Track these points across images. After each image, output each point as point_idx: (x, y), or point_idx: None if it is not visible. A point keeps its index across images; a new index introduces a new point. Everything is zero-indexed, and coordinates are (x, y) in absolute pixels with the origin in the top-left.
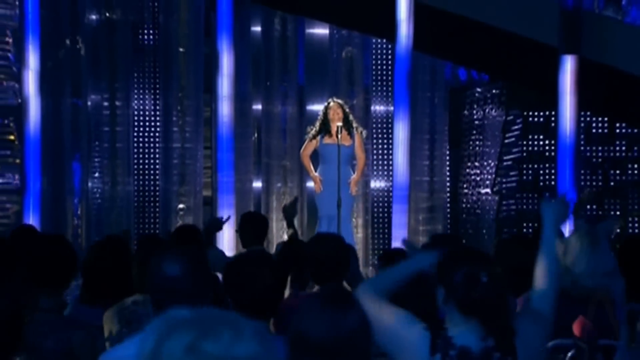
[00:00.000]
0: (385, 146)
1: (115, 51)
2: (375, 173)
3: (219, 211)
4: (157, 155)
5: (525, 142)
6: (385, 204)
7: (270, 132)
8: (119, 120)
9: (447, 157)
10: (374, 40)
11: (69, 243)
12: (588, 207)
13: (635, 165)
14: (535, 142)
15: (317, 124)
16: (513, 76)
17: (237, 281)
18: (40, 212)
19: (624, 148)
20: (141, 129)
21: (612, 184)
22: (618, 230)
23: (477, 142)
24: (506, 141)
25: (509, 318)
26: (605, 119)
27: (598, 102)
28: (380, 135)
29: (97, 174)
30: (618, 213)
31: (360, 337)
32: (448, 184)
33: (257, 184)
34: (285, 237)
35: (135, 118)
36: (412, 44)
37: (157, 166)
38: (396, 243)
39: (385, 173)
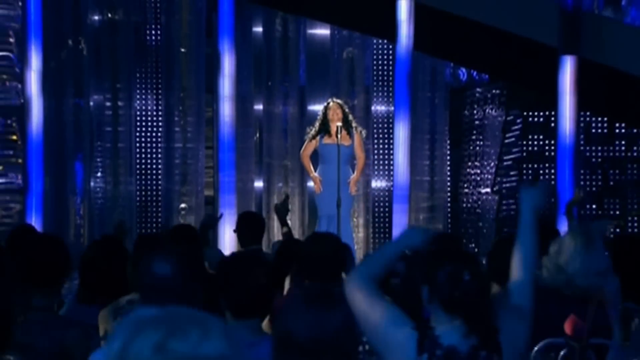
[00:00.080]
0: (385, 146)
1: (118, 51)
2: (375, 173)
3: (221, 211)
4: (159, 155)
5: (525, 142)
6: (386, 204)
7: (272, 132)
8: (121, 120)
9: (448, 157)
10: (374, 41)
11: (63, 242)
12: (587, 206)
13: (635, 165)
14: (535, 142)
15: (317, 124)
16: (513, 76)
17: (229, 280)
18: (43, 212)
19: (623, 148)
20: (143, 129)
21: (611, 183)
22: (618, 230)
23: (478, 142)
24: (506, 141)
25: (493, 316)
26: (605, 119)
27: (597, 102)
28: (380, 135)
29: (99, 174)
30: (617, 213)
31: (344, 337)
32: (448, 183)
33: (259, 184)
34: (281, 236)
35: (138, 118)
36: (412, 44)
37: (159, 166)
38: None
39: (386, 173)
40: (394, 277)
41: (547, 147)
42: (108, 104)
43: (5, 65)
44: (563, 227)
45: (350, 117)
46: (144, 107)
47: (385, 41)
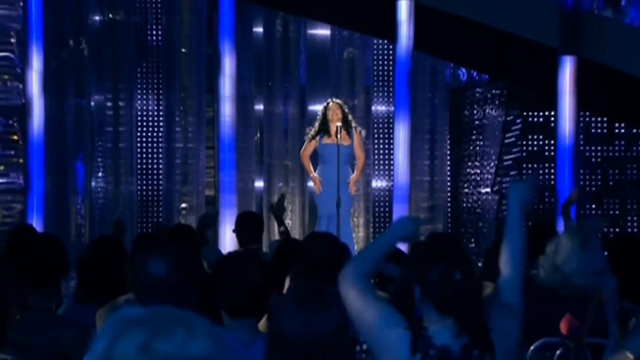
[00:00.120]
0: (386, 146)
1: (119, 52)
2: (376, 173)
3: (222, 210)
4: (159, 155)
5: (525, 142)
6: (386, 204)
7: (272, 132)
8: (122, 121)
9: (448, 157)
10: (375, 41)
11: (60, 242)
12: (587, 206)
13: (634, 165)
14: (535, 142)
15: (316, 124)
16: (513, 77)
17: (225, 280)
18: (44, 212)
19: (622, 148)
20: (144, 129)
21: (611, 183)
22: (617, 230)
23: (478, 142)
24: (506, 141)
25: (485, 315)
26: (604, 119)
27: (597, 103)
28: (381, 136)
29: (100, 174)
30: (617, 213)
31: (337, 336)
32: (448, 183)
33: (259, 184)
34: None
35: (138, 118)
36: (412, 44)
37: (160, 166)
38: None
39: (386, 173)
40: (390, 283)
41: (546, 147)
42: (109, 104)
43: (7, 65)
44: (562, 227)
45: (350, 117)
46: (145, 107)
47: (386, 41)
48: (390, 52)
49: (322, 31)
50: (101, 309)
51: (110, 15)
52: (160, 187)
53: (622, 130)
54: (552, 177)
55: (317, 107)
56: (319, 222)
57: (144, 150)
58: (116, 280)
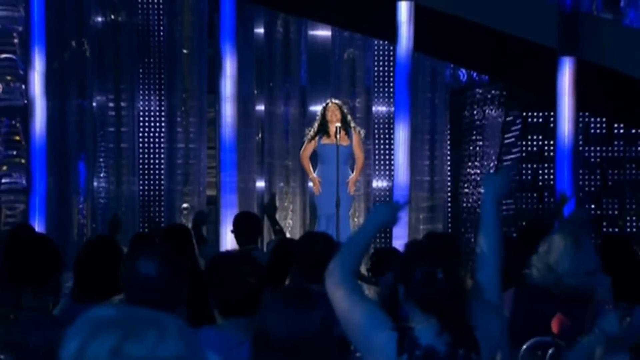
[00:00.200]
0: (386, 146)
1: (120, 53)
2: (376, 173)
3: (223, 210)
4: (161, 155)
5: (524, 142)
6: None
7: (273, 133)
8: (124, 121)
9: (448, 157)
10: (375, 42)
11: (53, 242)
12: (586, 206)
13: (633, 165)
14: (534, 142)
15: (315, 125)
16: (512, 77)
17: (217, 279)
18: (46, 212)
19: (621, 148)
20: (146, 129)
21: (610, 183)
22: (617, 230)
23: (477, 143)
24: (506, 141)
25: (468, 314)
26: (604, 119)
27: (596, 103)
28: (381, 136)
29: (102, 174)
30: (616, 213)
31: (323, 336)
32: (448, 183)
33: (260, 184)
34: (273, 236)
35: (140, 119)
36: (412, 45)
37: (162, 166)
38: (397, 242)
39: (386, 173)
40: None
41: (546, 147)
42: (111, 104)
43: (9, 66)
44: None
45: (349, 117)
46: (146, 108)
47: (386, 42)
48: (391, 53)
49: (323, 32)
50: None
51: (112, 17)
52: (162, 187)
53: (621, 131)
54: (552, 177)
55: (318, 108)
56: (318, 222)
57: (146, 150)
58: (112, 280)
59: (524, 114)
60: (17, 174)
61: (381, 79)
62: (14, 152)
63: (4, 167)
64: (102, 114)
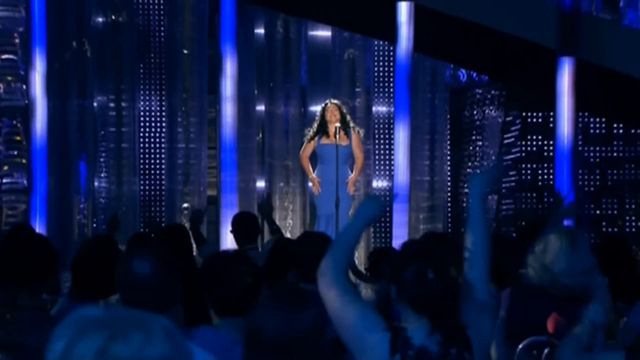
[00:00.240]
0: (386, 146)
1: (121, 53)
2: (376, 173)
3: (223, 210)
4: (162, 156)
5: (524, 143)
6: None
7: (273, 133)
8: (125, 121)
9: (448, 157)
10: (375, 42)
11: (49, 242)
12: (585, 206)
13: (632, 165)
14: (534, 143)
15: (315, 125)
16: (512, 78)
17: (212, 279)
18: (47, 212)
19: (621, 148)
20: (146, 129)
21: (609, 183)
22: (616, 230)
23: (477, 143)
24: (505, 141)
25: (460, 313)
26: (603, 119)
27: (595, 103)
28: (381, 136)
29: (103, 174)
30: (615, 212)
31: (314, 335)
32: (448, 183)
33: (260, 184)
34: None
35: (141, 119)
36: (412, 46)
37: (162, 166)
38: (397, 242)
39: (386, 173)
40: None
41: (545, 148)
42: (112, 104)
43: (10, 66)
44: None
45: (348, 117)
46: (147, 108)
47: (386, 43)
48: (391, 53)
49: (323, 32)
50: None
51: (113, 17)
52: (163, 187)
53: (621, 131)
54: (551, 177)
55: (318, 108)
56: (318, 222)
57: (146, 150)
58: (110, 280)
59: (524, 114)
60: (18, 174)
61: (381, 79)
62: (15, 152)
63: (5, 167)
64: (103, 114)
